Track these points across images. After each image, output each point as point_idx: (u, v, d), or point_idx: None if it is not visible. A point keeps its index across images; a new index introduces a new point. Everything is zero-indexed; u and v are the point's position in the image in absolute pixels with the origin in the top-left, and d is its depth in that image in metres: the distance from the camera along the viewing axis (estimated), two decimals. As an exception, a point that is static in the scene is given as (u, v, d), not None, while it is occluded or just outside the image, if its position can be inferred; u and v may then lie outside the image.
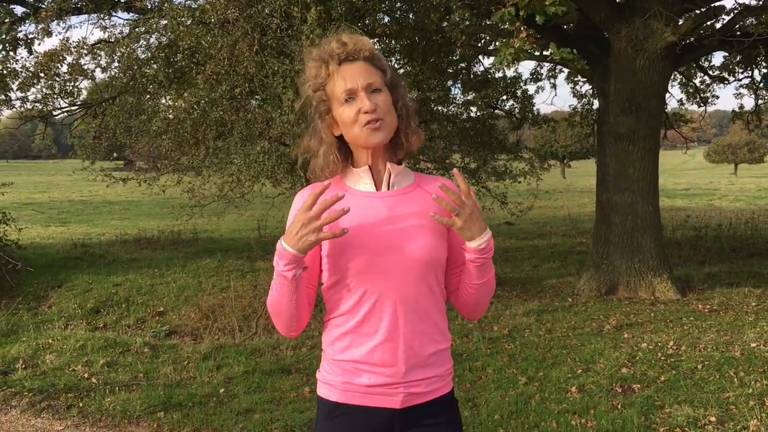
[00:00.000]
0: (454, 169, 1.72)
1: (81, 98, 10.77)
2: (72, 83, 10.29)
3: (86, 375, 5.44)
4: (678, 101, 13.14)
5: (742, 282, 8.43)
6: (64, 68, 10.25)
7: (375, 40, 8.57)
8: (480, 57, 10.72)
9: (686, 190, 28.99)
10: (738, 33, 8.10)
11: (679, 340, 5.91)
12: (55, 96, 10.44)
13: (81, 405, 4.83)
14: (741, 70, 11.09)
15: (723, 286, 8.25)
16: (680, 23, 7.79)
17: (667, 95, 9.50)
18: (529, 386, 4.99)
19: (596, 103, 12.34)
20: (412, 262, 1.73)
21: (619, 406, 4.49)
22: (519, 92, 10.78)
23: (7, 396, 5.03)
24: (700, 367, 5.21)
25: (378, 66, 1.78)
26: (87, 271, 9.87)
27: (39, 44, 9.04)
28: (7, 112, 11.15)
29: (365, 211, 1.75)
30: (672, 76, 12.19)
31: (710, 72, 11.92)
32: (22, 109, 10.61)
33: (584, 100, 12.97)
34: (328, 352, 1.79)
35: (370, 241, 1.71)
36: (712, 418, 4.21)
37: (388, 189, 1.80)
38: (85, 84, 10.78)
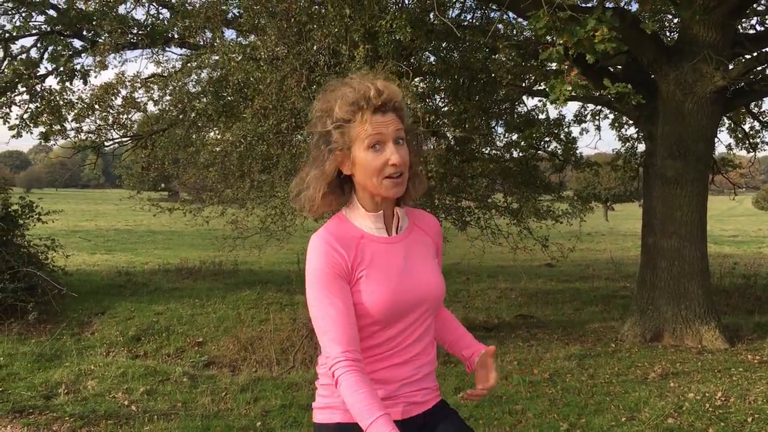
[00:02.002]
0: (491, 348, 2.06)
1: (133, 130, 11.11)
2: (125, 115, 10.64)
3: (126, 402, 5.49)
4: (726, 146, 12.93)
5: (794, 333, 8.13)
6: (118, 101, 10.62)
7: (420, 78, 8.66)
8: (524, 97, 10.72)
9: (734, 237, 28.29)
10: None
11: (728, 392, 5.70)
12: (109, 127, 10.79)
13: (120, 432, 4.87)
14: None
15: (774, 337, 7.97)
16: (731, 68, 7.69)
17: (716, 140, 9.34)
18: (570, 433, 4.86)
19: (641, 147, 12.23)
20: (429, 303, 1.87)
21: (665, 458, 4.33)
22: (563, 134, 10.73)
23: (49, 420, 5.09)
24: (750, 420, 5.02)
25: (403, 117, 1.82)
26: (130, 299, 10.02)
27: (95, 77, 9.39)
28: (60, 142, 11.53)
29: (386, 259, 1.83)
30: (721, 121, 12.02)
31: (761, 117, 11.71)
32: (76, 139, 10.97)
33: (628, 143, 12.84)
34: (328, 377, 1.81)
35: (395, 290, 1.80)
36: (765, 475, 4.04)
37: (396, 233, 1.88)
38: (136, 116, 11.11)
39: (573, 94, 5.71)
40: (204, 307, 9.59)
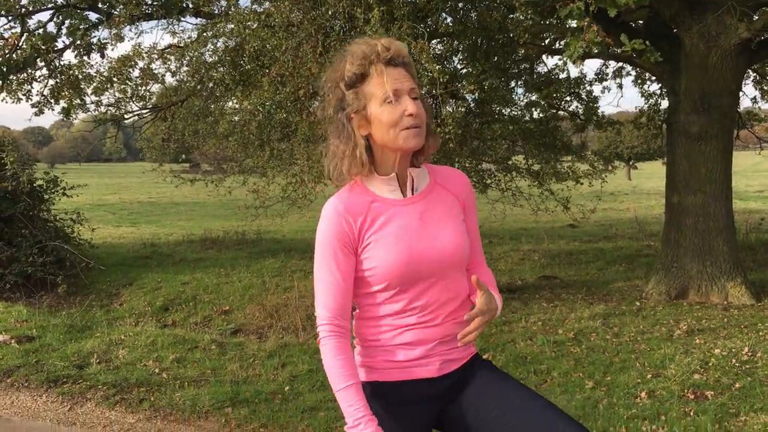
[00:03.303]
0: (472, 277, 1.80)
1: (151, 102, 11.14)
2: (144, 87, 10.66)
3: (157, 370, 5.61)
4: (752, 99, 12.65)
5: (822, 287, 8.05)
6: (136, 73, 10.63)
7: (437, 40, 8.55)
8: (543, 57, 10.56)
9: (760, 192, 27.85)
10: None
11: (755, 347, 5.68)
12: (128, 100, 10.82)
13: (152, 399, 4.98)
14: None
15: (801, 292, 7.89)
16: (755, 19, 7.49)
17: (741, 93, 9.15)
18: (596, 391, 4.88)
19: (664, 103, 12.00)
20: (451, 260, 1.84)
21: (691, 413, 4.35)
22: (584, 93, 10.58)
23: (83, 389, 5.22)
24: (777, 374, 5.00)
25: (413, 74, 1.82)
26: (156, 270, 10.16)
27: (112, 49, 9.36)
28: (81, 116, 11.60)
29: (399, 222, 1.81)
30: (746, 73, 11.74)
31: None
32: (96, 112, 11.03)
33: (651, 100, 12.60)
34: (360, 341, 1.90)
35: (410, 252, 1.78)
36: (792, 428, 4.04)
37: (412, 193, 1.86)
38: (155, 88, 11.13)
39: (592, 50, 5.60)
40: (229, 276, 9.70)
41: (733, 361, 5.37)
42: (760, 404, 4.45)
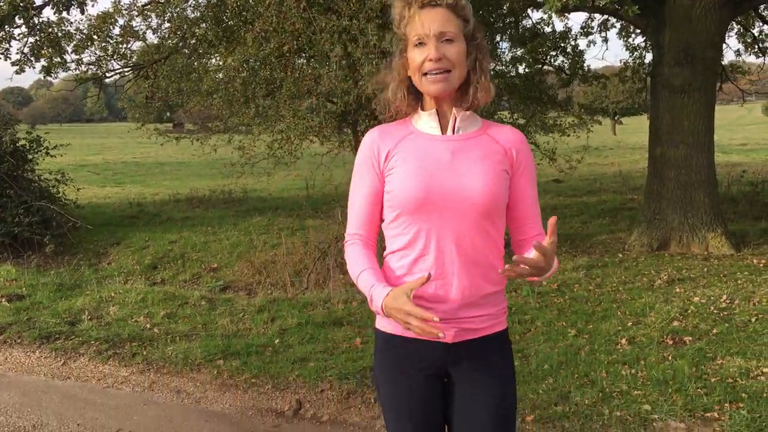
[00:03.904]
0: (551, 219, 1.65)
1: (133, 60, 10.99)
2: (124, 45, 10.50)
3: (148, 326, 5.68)
4: (735, 52, 12.67)
5: (800, 237, 8.22)
6: (117, 30, 10.46)
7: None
8: (529, 11, 10.49)
9: (743, 146, 28.05)
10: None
11: (733, 294, 5.83)
12: (109, 58, 10.66)
13: (145, 353, 5.07)
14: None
15: (779, 242, 8.06)
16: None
17: (724, 46, 9.18)
18: (578, 338, 5.02)
19: (649, 56, 12.00)
20: (469, 204, 1.76)
21: (669, 358, 4.49)
22: (569, 48, 10.56)
23: (75, 344, 5.30)
24: (753, 320, 5.16)
25: (460, 15, 1.79)
26: (143, 229, 10.18)
27: (92, 5, 9.17)
28: (62, 75, 11.44)
29: (427, 152, 1.81)
30: (729, 26, 11.74)
31: (770, 20, 11.44)
32: (78, 71, 10.87)
33: (636, 53, 12.60)
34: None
35: (430, 182, 1.76)
36: (765, 369, 4.19)
37: (453, 133, 1.84)
38: (136, 46, 10.96)
39: (570, 2, 5.58)
40: (216, 234, 9.74)
41: (712, 308, 5.52)
42: (736, 348, 4.60)
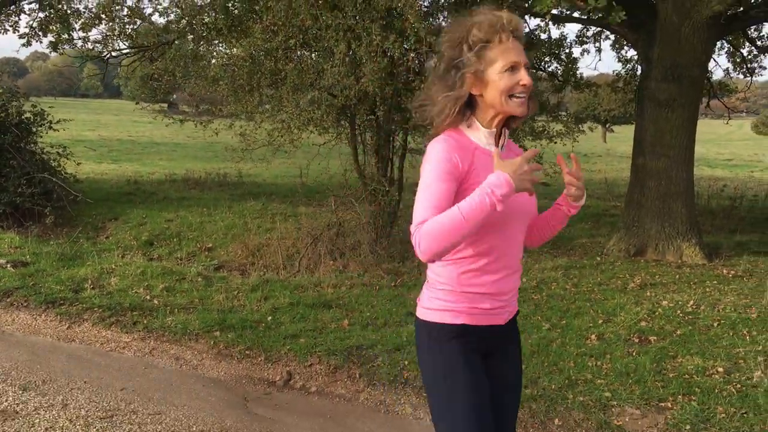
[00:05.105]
0: (572, 154, 2.07)
1: (137, 40, 11.23)
2: (132, 26, 10.75)
3: (148, 297, 6.00)
4: (724, 70, 13.10)
5: (771, 251, 8.63)
6: (125, 11, 10.71)
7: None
8: (525, 18, 10.82)
9: (728, 161, 28.60)
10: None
11: (700, 300, 6.22)
12: (115, 38, 10.91)
13: (145, 322, 5.39)
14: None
15: (751, 255, 8.45)
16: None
17: (714, 64, 9.55)
18: (551, 332, 5.38)
19: (640, 69, 12.39)
20: (526, 214, 2.14)
21: (634, 353, 4.86)
22: (563, 54, 10.89)
23: (80, 310, 5.61)
24: (715, 324, 5.53)
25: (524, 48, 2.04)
26: (140, 207, 10.45)
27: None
28: (68, 50, 11.64)
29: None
30: (720, 45, 12.16)
31: (758, 42, 11.85)
32: (83, 48, 11.12)
33: (629, 65, 13.00)
34: (451, 285, 2.08)
35: None
36: (720, 369, 4.57)
37: (500, 149, 2.09)
38: (141, 27, 11.19)
39: (558, 8, 5.87)
40: (211, 215, 10.03)
41: (678, 312, 5.90)
42: (696, 349, 4.98)
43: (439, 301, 2.09)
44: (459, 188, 1.96)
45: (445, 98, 2.01)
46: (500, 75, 1.96)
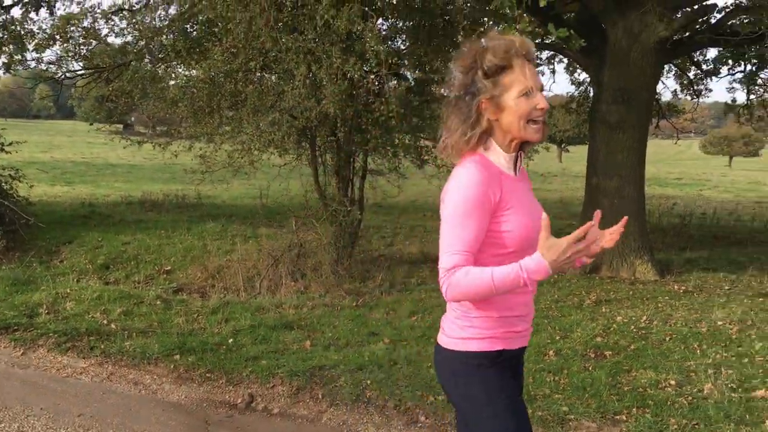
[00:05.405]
0: (598, 212, 2.09)
1: (92, 61, 11.12)
2: (86, 47, 10.65)
3: (105, 321, 5.91)
4: (672, 92, 13.58)
5: (719, 268, 8.92)
6: (80, 32, 10.60)
7: (382, 20, 8.90)
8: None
9: (678, 180, 29.46)
10: (728, 31, 8.49)
11: (652, 316, 6.40)
12: (70, 59, 10.79)
13: (102, 347, 5.31)
14: (729, 66, 11.49)
15: (700, 271, 8.73)
16: (675, 18, 8.17)
17: (663, 86, 9.89)
18: (511, 349, 5.47)
19: (592, 92, 12.76)
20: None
21: (590, 368, 4.98)
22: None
23: (34, 336, 5.50)
24: (668, 339, 5.70)
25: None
26: (95, 230, 10.28)
27: (64, 9, 9.34)
28: (22, 72, 11.47)
29: (520, 194, 2.07)
30: (668, 68, 12.60)
31: (703, 66, 12.33)
32: (38, 69, 10.96)
33: (581, 88, 13.38)
34: (489, 311, 2.05)
35: (534, 223, 2.02)
36: (672, 381, 4.71)
37: (516, 173, 2.10)
38: (96, 48, 11.08)
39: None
40: (170, 237, 9.93)
41: (632, 327, 6.06)
42: (649, 363, 5.12)
43: (474, 329, 2.06)
44: (495, 214, 1.97)
45: (464, 125, 2.01)
46: (517, 100, 1.95)
